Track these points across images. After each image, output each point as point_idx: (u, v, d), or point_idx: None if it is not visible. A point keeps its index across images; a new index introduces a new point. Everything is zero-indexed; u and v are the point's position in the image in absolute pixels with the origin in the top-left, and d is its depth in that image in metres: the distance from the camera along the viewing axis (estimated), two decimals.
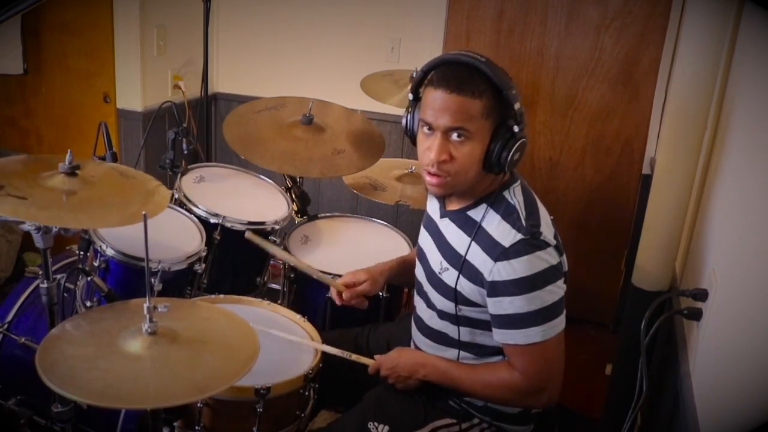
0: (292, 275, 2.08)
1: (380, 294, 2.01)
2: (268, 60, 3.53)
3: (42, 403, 1.76)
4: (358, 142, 2.27)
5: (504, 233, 1.40)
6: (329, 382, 1.72)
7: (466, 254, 1.45)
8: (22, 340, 1.86)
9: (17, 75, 3.20)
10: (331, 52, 3.40)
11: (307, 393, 1.65)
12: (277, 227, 2.12)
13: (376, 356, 1.63)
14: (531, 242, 1.37)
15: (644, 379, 1.42)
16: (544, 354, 1.41)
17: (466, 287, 1.46)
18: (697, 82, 1.82)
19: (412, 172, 2.46)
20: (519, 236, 1.38)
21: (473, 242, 1.44)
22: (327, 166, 2.16)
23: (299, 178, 2.37)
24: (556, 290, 1.40)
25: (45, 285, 1.52)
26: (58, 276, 1.59)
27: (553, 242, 1.41)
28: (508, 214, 1.42)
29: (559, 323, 1.41)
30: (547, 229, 1.42)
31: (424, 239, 1.63)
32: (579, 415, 2.55)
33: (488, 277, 1.39)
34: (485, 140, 1.39)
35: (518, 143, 1.38)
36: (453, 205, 1.53)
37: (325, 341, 1.70)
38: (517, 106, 1.38)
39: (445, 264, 1.51)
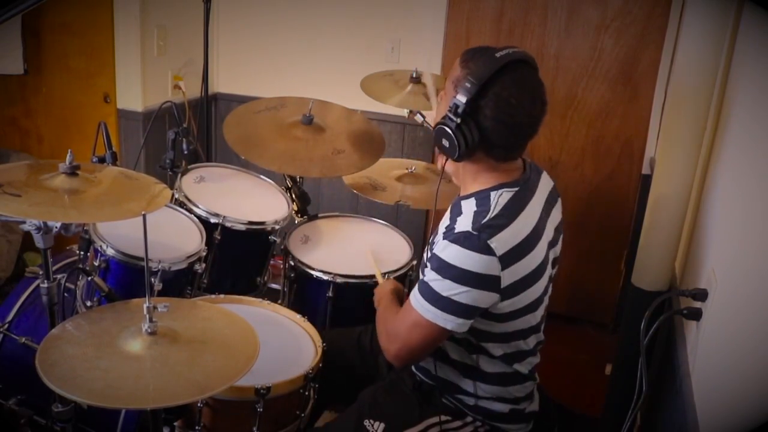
0: (292, 275, 2.09)
1: None
2: (268, 60, 3.53)
3: (42, 403, 1.76)
4: (358, 142, 2.27)
5: (464, 221, 1.42)
6: (330, 382, 1.73)
7: (436, 235, 1.50)
8: (23, 340, 1.86)
9: (17, 75, 3.20)
10: (331, 52, 3.40)
11: (307, 393, 1.66)
12: (277, 227, 2.12)
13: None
14: (470, 238, 1.36)
15: (644, 379, 1.42)
16: (414, 325, 1.43)
17: None
18: (696, 82, 1.82)
19: (412, 172, 2.46)
20: (468, 228, 1.38)
21: (447, 220, 1.49)
22: (327, 166, 2.16)
23: (299, 178, 2.37)
24: (466, 294, 1.36)
25: (45, 285, 1.52)
26: (59, 276, 1.59)
27: (498, 253, 1.35)
28: (481, 210, 1.42)
29: (445, 319, 1.39)
30: (505, 242, 1.37)
31: None
32: (579, 415, 2.55)
33: (432, 248, 1.45)
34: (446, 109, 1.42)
35: (438, 126, 1.41)
36: (461, 193, 1.55)
37: (326, 339, 1.72)
38: (461, 98, 1.36)
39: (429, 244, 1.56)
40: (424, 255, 1.59)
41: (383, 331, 1.56)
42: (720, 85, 1.86)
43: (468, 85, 1.35)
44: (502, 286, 1.38)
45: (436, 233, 1.52)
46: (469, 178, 1.49)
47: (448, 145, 1.41)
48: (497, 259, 1.35)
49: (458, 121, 1.37)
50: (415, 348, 1.47)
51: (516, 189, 1.45)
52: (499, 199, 1.43)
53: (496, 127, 1.38)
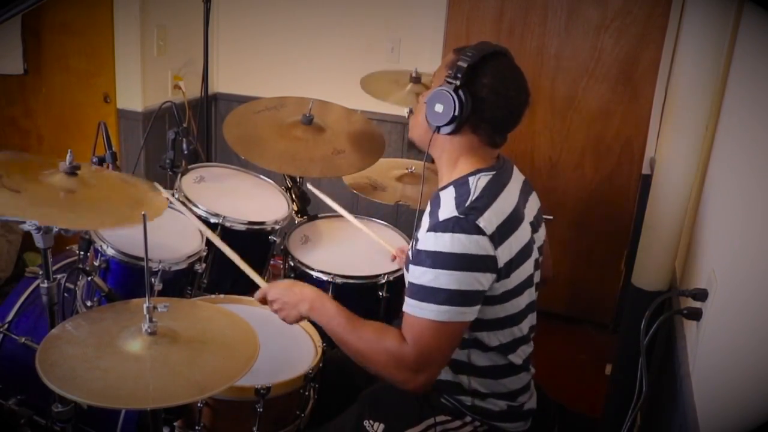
0: (292, 275, 2.08)
1: (380, 294, 2.02)
2: (268, 60, 3.53)
3: (42, 403, 1.76)
4: (358, 142, 2.27)
5: (445, 208, 1.41)
6: (331, 384, 1.73)
7: (419, 229, 1.48)
8: (23, 340, 1.86)
9: (17, 75, 3.20)
10: (331, 52, 3.40)
11: (307, 393, 1.66)
12: (277, 227, 2.12)
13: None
14: (459, 222, 1.36)
15: (644, 379, 1.42)
16: (437, 335, 1.37)
17: None
18: (696, 82, 1.82)
19: (412, 172, 2.46)
20: (454, 213, 1.38)
21: (428, 216, 1.48)
22: (327, 166, 2.16)
23: (299, 178, 2.37)
24: (470, 280, 1.35)
25: (45, 285, 1.52)
26: (59, 276, 1.59)
27: (488, 231, 1.36)
28: (460, 195, 1.43)
29: (463, 313, 1.36)
30: (490, 221, 1.38)
31: None
32: (579, 415, 2.55)
33: (417, 246, 1.41)
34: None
35: (435, 91, 1.42)
36: (439, 186, 1.56)
37: (325, 342, 1.71)
38: (461, 64, 1.39)
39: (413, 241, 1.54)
40: (409, 254, 1.54)
41: (385, 365, 1.40)
42: (720, 84, 1.86)
43: (469, 54, 1.40)
44: (499, 266, 1.39)
45: (418, 231, 1.51)
46: (449, 163, 1.50)
47: (441, 110, 1.42)
48: (488, 239, 1.36)
49: (457, 83, 1.39)
50: (444, 360, 1.43)
51: (493, 173, 1.48)
52: (478, 183, 1.45)
53: (489, 97, 1.42)
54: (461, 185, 1.46)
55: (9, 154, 1.55)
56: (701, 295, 1.50)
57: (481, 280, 1.37)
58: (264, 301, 1.57)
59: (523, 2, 3.07)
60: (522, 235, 1.45)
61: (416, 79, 2.39)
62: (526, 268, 1.47)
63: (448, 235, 1.35)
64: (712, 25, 1.77)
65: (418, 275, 1.38)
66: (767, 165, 1.25)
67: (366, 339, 1.42)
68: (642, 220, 2.04)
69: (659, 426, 1.77)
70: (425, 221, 1.49)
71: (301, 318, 1.52)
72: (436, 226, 1.38)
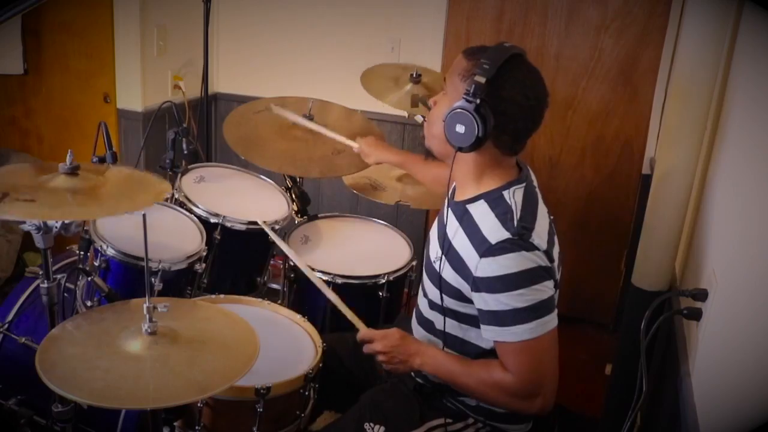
0: (292, 275, 2.08)
1: (380, 294, 2.01)
2: (268, 60, 3.53)
3: (42, 403, 1.76)
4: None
5: (493, 230, 1.39)
6: (330, 383, 1.72)
7: (452, 242, 1.46)
8: (23, 340, 1.86)
9: (17, 75, 3.20)
10: (331, 52, 3.40)
11: (307, 393, 1.66)
12: (277, 227, 2.12)
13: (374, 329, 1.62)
14: (517, 242, 1.36)
15: (644, 379, 1.42)
16: (534, 353, 1.39)
17: (450, 276, 1.47)
18: (696, 82, 1.82)
19: None
20: (507, 235, 1.37)
21: (462, 233, 1.45)
22: (327, 166, 2.16)
23: (299, 178, 2.37)
24: (543, 289, 1.38)
25: (45, 285, 1.51)
26: (59, 276, 1.58)
27: (543, 247, 1.38)
28: (502, 213, 1.41)
29: (548, 322, 1.39)
30: (540, 236, 1.40)
31: (433, 228, 1.65)
32: (579, 415, 2.55)
33: (474, 273, 1.40)
34: (453, 101, 1.41)
35: (454, 111, 1.38)
36: (458, 197, 1.54)
37: (325, 342, 1.71)
38: (479, 79, 1.35)
39: (439, 253, 1.52)
40: (435, 267, 1.52)
41: (501, 398, 1.45)
42: (720, 84, 1.86)
43: (486, 66, 1.35)
44: (556, 277, 1.42)
45: (446, 248, 1.48)
46: (474, 176, 1.48)
47: (463, 131, 1.38)
48: (544, 253, 1.38)
49: (477, 102, 1.36)
50: (554, 375, 1.43)
51: (524, 185, 1.47)
52: (515, 198, 1.44)
53: (511, 110, 1.39)
54: (496, 200, 1.44)
55: (8, 168, 1.55)
56: (701, 295, 1.50)
57: (549, 286, 1.39)
58: (364, 342, 1.60)
59: (523, 2, 3.07)
60: (557, 243, 1.48)
61: (416, 80, 2.39)
62: (559, 276, 1.50)
63: (508, 257, 1.36)
64: (712, 25, 1.77)
65: (491, 303, 1.38)
66: (767, 165, 1.25)
67: (477, 377, 1.46)
68: (642, 220, 2.04)
69: (659, 426, 1.77)
70: (458, 234, 1.47)
71: (410, 371, 1.56)
72: (492, 251, 1.37)
